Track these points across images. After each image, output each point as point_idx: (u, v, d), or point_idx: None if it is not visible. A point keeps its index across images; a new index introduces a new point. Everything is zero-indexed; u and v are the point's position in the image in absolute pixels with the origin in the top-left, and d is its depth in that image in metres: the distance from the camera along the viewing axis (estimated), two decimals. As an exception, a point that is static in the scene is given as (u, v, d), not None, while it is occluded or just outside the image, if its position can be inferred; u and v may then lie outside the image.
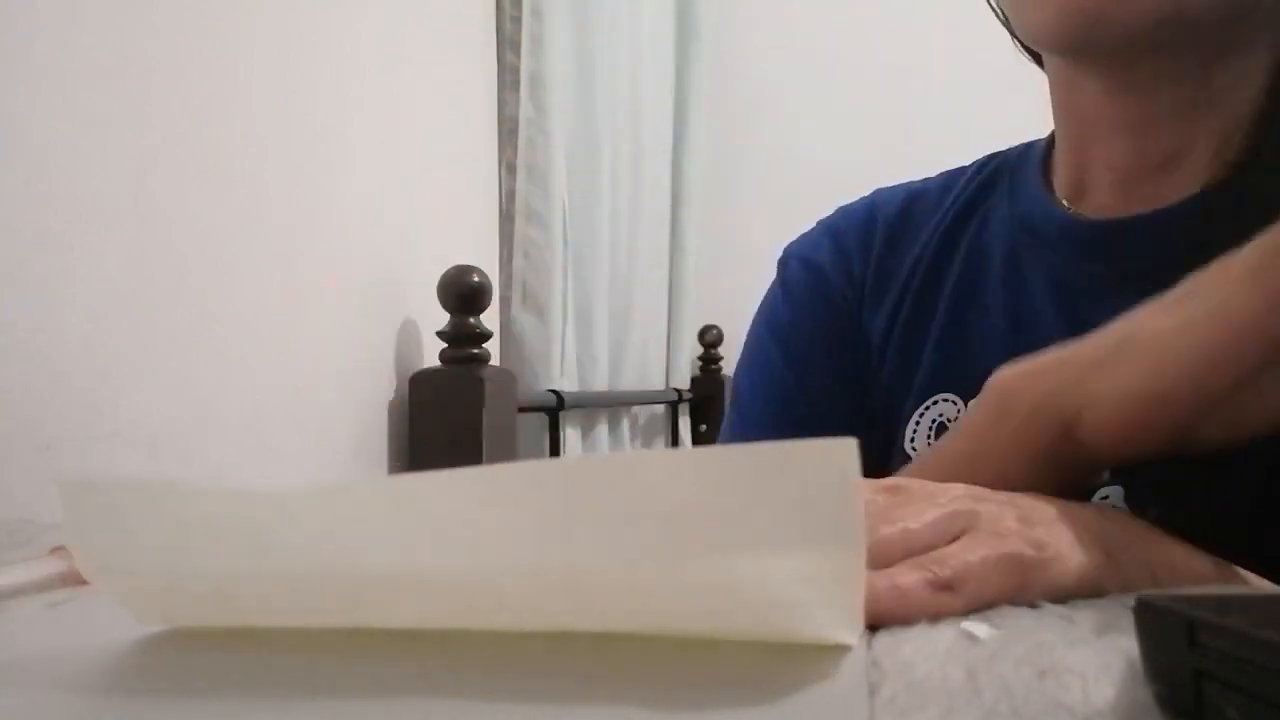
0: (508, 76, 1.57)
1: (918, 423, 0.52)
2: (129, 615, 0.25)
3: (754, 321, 0.65)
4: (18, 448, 0.75)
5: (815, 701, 0.19)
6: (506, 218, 1.57)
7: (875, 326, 0.57)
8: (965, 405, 0.51)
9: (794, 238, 0.66)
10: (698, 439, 2.04)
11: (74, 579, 0.33)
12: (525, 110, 1.55)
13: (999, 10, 0.51)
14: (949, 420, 0.51)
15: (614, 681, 0.21)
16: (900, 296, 0.56)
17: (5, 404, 0.74)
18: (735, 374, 0.66)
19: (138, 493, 0.23)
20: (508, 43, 1.57)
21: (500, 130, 1.59)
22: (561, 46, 1.60)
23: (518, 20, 1.56)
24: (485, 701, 0.20)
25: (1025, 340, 0.50)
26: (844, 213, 0.64)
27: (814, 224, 0.66)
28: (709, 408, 2.05)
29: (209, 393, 0.96)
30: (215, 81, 0.98)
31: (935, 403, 0.52)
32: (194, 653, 0.24)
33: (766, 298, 0.65)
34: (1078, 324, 0.48)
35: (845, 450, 0.18)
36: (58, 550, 0.34)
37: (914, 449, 0.51)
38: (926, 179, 0.63)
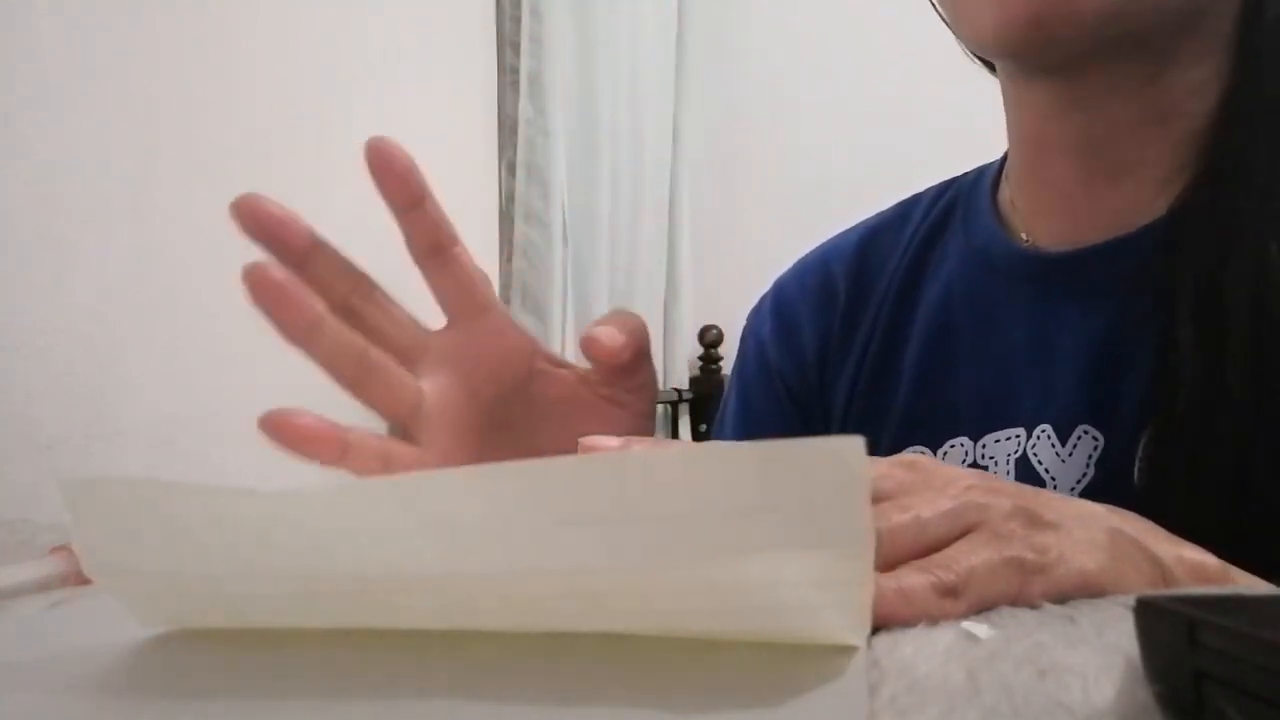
0: (508, 76, 1.58)
1: None
2: (130, 616, 0.25)
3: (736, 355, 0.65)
4: (18, 448, 0.75)
5: (815, 701, 0.19)
6: (506, 218, 1.57)
7: (842, 379, 0.56)
8: (935, 454, 0.49)
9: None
10: (697, 439, 2.04)
11: (74, 579, 0.33)
12: (525, 110, 1.56)
13: (944, 18, 0.49)
14: None
15: (613, 681, 0.21)
16: (866, 343, 0.55)
17: (5, 404, 0.74)
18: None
19: (141, 491, 0.23)
20: (508, 43, 1.57)
21: (500, 130, 1.59)
22: (561, 46, 1.60)
23: (518, 20, 1.56)
24: (488, 702, 0.20)
25: (996, 385, 0.49)
26: (798, 272, 0.62)
27: (769, 284, 0.63)
28: (709, 407, 2.05)
29: (209, 393, 0.96)
30: (216, 82, 0.98)
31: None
32: (195, 653, 0.24)
33: (740, 344, 0.64)
34: (1048, 358, 0.48)
35: (854, 450, 0.18)
36: (58, 550, 0.34)
37: None
38: (880, 213, 0.61)
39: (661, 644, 0.22)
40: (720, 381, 2.05)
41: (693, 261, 2.02)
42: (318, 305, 0.37)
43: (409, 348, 0.41)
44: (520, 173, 1.56)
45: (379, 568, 0.22)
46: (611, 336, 0.40)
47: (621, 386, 0.43)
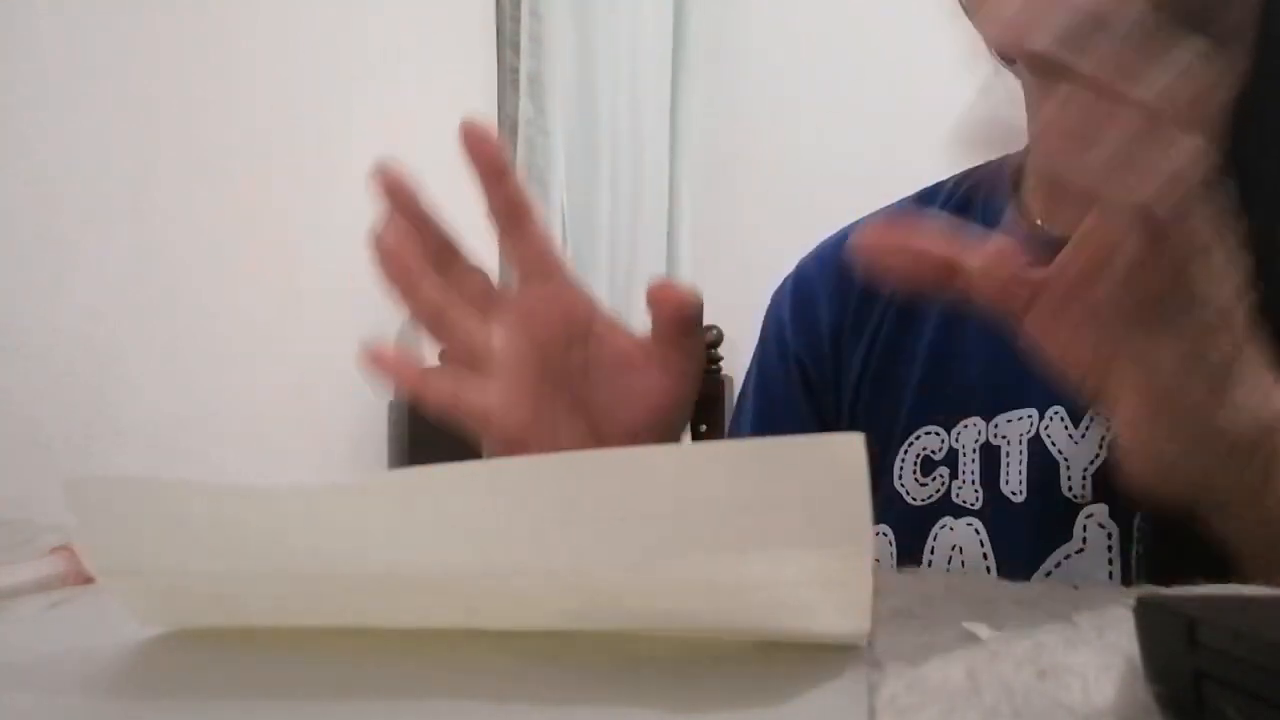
0: (508, 76, 1.57)
1: (903, 459, 0.51)
2: (130, 616, 0.25)
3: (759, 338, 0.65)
4: (18, 448, 0.75)
5: (816, 701, 0.19)
6: (506, 218, 1.57)
7: (855, 358, 0.56)
8: (949, 436, 0.50)
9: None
10: (698, 439, 2.04)
11: (74, 579, 0.33)
12: (525, 110, 1.56)
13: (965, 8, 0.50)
14: (934, 453, 0.50)
15: (614, 681, 0.21)
16: (878, 327, 0.55)
17: (5, 404, 0.74)
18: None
19: (145, 490, 0.23)
20: (508, 43, 1.57)
21: (500, 130, 1.59)
22: (561, 46, 1.60)
23: (518, 20, 1.56)
24: (488, 701, 0.20)
25: (1008, 366, 0.49)
26: (818, 254, 0.63)
27: (794, 264, 0.64)
28: (709, 408, 2.04)
29: (209, 393, 0.96)
30: (216, 82, 0.98)
31: (919, 436, 0.51)
32: (195, 653, 0.24)
33: (762, 325, 0.65)
34: None
35: (852, 447, 0.18)
36: (58, 550, 0.34)
37: (902, 485, 0.51)
38: (902, 199, 0.61)
39: (661, 644, 0.22)
40: (721, 382, 2.04)
41: (693, 262, 2.02)
42: (423, 269, 0.44)
43: (483, 300, 0.46)
44: (520, 172, 1.56)
45: (381, 565, 0.22)
46: (678, 288, 0.43)
47: (675, 346, 0.45)
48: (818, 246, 0.63)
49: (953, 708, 0.18)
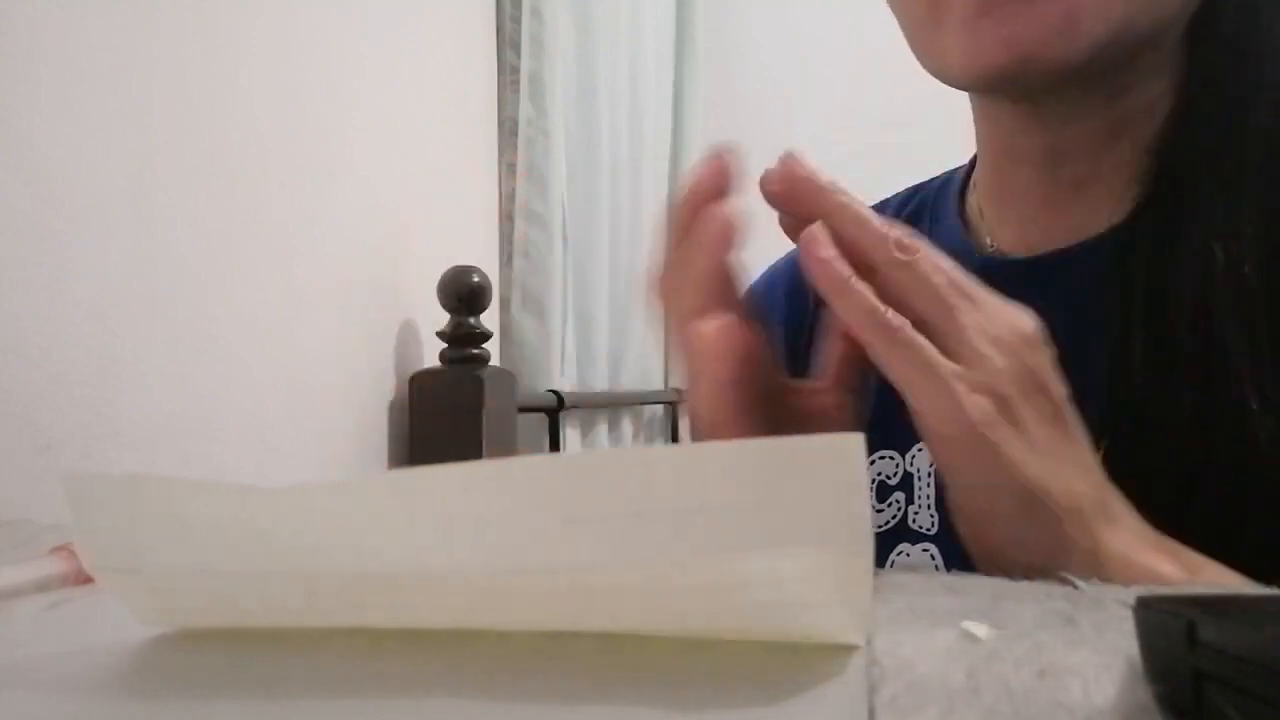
0: (508, 76, 1.58)
1: None
2: (130, 616, 0.25)
3: None
4: (18, 448, 0.75)
5: (815, 701, 0.19)
6: (506, 218, 1.57)
7: None
8: (904, 460, 0.50)
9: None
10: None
11: (74, 579, 0.33)
12: (525, 110, 1.56)
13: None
14: (889, 478, 0.50)
15: (614, 681, 0.21)
16: None
17: (5, 404, 0.74)
18: None
19: (144, 488, 0.23)
20: (508, 43, 1.57)
21: (500, 130, 1.59)
22: (561, 46, 1.60)
23: (518, 20, 1.56)
24: (488, 701, 0.20)
25: None
26: (766, 281, 0.62)
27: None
28: (709, 408, 2.04)
29: (209, 393, 0.96)
30: (216, 82, 0.98)
31: (874, 461, 0.50)
32: (195, 653, 0.24)
33: None
34: None
35: (852, 446, 0.18)
36: (58, 550, 0.34)
37: None
38: None
39: (662, 644, 0.22)
40: (720, 381, 2.04)
41: (693, 261, 2.02)
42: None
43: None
44: (520, 173, 1.56)
45: (381, 565, 0.22)
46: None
47: (845, 390, 0.42)
48: (767, 272, 0.63)
49: (953, 708, 0.18)
